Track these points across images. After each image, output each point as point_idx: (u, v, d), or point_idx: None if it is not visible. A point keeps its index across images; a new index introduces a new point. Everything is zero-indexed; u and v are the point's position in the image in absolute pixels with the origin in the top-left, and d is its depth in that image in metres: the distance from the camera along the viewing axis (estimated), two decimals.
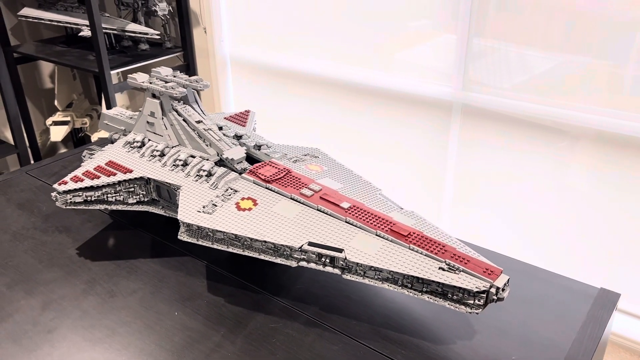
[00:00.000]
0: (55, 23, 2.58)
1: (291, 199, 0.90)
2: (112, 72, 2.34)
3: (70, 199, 0.99)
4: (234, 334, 0.83)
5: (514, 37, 1.83)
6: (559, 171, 1.90)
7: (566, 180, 1.90)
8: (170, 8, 2.56)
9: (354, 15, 2.17)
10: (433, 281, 0.75)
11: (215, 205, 0.90)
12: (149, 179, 1.00)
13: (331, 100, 2.37)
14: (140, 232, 1.08)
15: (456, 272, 0.75)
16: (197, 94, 1.10)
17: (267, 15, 2.43)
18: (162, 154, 1.03)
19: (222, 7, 2.55)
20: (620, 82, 1.69)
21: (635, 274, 1.86)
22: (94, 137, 2.77)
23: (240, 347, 0.80)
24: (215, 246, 0.88)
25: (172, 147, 1.04)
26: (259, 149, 1.06)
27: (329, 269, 0.81)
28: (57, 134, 2.78)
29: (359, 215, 0.85)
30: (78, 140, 3.21)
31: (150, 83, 1.06)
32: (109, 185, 0.99)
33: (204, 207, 0.90)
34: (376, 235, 0.82)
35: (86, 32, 2.47)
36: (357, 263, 0.79)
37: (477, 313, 0.74)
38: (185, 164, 1.00)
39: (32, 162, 2.86)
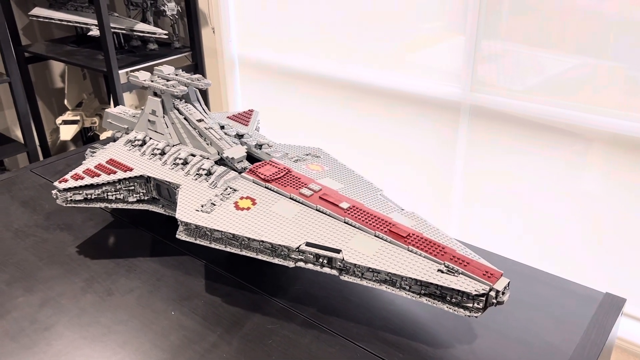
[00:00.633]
0: (65, 23, 2.60)
1: (290, 198, 0.89)
2: (120, 71, 2.35)
3: (71, 196, 0.98)
4: (230, 335, 0.82)
5: (526, 38, 1.80)
6: (571, 175, 1.87)
7: (577, 183, 1.87)
8: (179, 8, 2.57)
9: (362, 16, 2.16)
10: (431, 283, 0.74)
11: (214, 205, 0.90)
12: (149, 177, 0.99)
13: (338, 101, 2.36)
14: (141, 231, 1.08)
15: (455, 274, 0.74)
16: (199, 93, 1.10)
17: (276, 15, 2.43)
18: (163, 153, 1.03)
19: (230, 7, 2.56)
20: (636, 85, 1.66)
21: None
22: (103, 137, 2.78)
23: (237, 348, 0.79)
24: (213, 245, 0.87)
25: (173, 145, 1.04)
26: (260, 148, 1.05)
27: (326, 269, 0.80)
28: (67, 133, 2.80)
29: (358, 215, 0.84)
30: (88, 139, 3.23)
31: (152, 81, 1.06)
32: (109, 183, 0.99)
33: (202, 206, 0.90)
34: (375, 236, 0.81)
35: (95, 32, 2.49)
36: (355, 264, 0.78)
37: (476, 317, 0.73)
38: (185, 163, 0.99)
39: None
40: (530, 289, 0.91)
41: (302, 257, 0.81)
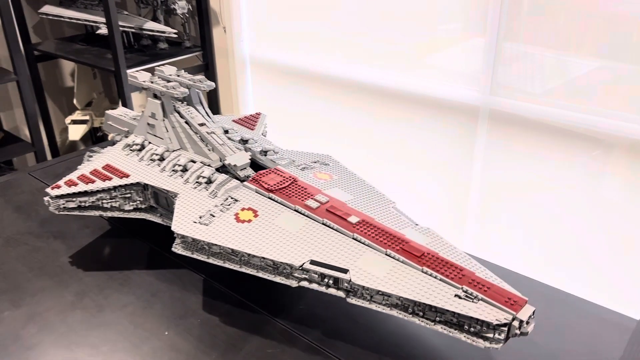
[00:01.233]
0: (75, 21, 2.56)
1: (295, 211, 0.83)
2: (129, 70, 2.30)
3: (64, 204, 0.93)
4: (226, 359, 0.75)
5: (548, 41, 1.72)
6: (591, 182, 1.78)
7: (599, 192, 1.78)
8: (190, 7, 2.52)
9: (379, 16, 2.09)
10: (448, 310, 0.67)
11: (213, 216, 0.83)
12: (145, 184, 0.93)
13: (351, 104, 2.29)
14: (138, 241, 1.02)
15: (474, 300, 0.66)
16: (202, 95, 1.03)
17: (288, 15, 2.37)
18: (162, 158, 0.97)
19: (242, 6, 2.50)
20: None
21: None
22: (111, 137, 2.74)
23: None
24: (211, 261, 0.80)
25: (173, 151, 0.98)
26: (265, 155, 0.98)
27: (332, 290, 0.73)
28: (76, 132, 2.76)
29: (368, 231, 0.77)
30: (97, 139, 3.19)
31: (152, 82, 1.00)
32: (103, 190, 0.93)
33: (200, 217, 0.83)
34: (386, 254, 0.74)
35: (104, 30, 2.44)
36: (363, 286, 0.71)
37: (497, 348, 0.65)
38: (184, 170, 0.93)
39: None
40: (556, 314, 0.83)
41: (306, 276, 0.74)
